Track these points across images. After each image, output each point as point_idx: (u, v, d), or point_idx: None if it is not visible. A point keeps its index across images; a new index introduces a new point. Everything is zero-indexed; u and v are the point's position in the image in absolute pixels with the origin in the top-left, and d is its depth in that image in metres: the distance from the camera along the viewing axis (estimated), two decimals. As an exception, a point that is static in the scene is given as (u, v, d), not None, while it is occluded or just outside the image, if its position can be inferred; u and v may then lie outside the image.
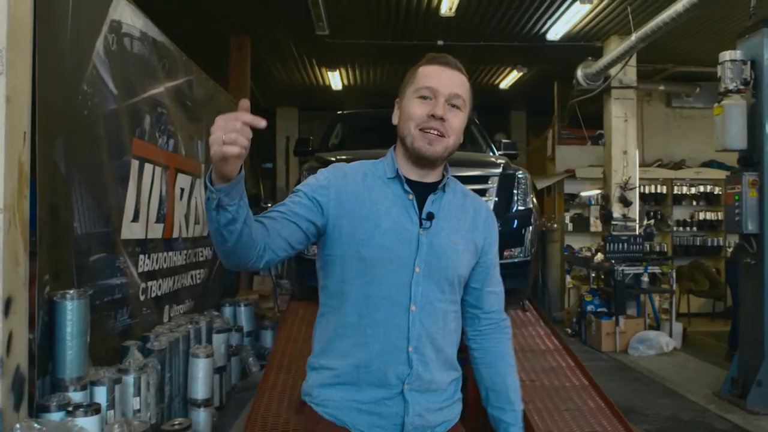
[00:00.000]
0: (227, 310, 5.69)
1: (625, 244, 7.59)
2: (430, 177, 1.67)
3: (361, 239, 1.58)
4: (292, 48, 8.71)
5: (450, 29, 7.63)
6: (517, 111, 14.26)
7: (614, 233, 7.87)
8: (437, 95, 1.60)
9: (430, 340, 1.60)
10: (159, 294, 4.28)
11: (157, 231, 4.24)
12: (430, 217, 1.62)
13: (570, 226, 9.99)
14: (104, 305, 3.37)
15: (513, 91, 11.32)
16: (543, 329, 4.92)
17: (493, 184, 4.72)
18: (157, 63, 4.22)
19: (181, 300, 4.81)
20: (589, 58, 7.87)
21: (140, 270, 3.91)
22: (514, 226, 4.77)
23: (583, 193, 9.64)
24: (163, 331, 3.91)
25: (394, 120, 1.68)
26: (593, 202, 9.73)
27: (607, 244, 7.65)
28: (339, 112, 7.04)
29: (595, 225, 9.66)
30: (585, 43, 8.00)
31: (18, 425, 2.25)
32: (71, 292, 2.74)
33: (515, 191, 4.82)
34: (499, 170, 4.78)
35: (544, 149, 11.47)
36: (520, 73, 9.87)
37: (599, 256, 7.95)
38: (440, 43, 8.07)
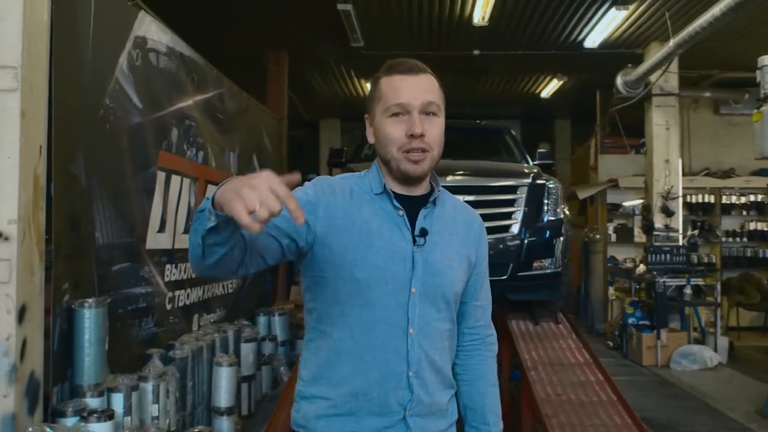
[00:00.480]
0: (261, 320, 5.77)
1: (668, 255, 7.36)
2: (418, 190, 1.59)
3: (353, 259, 1.49)
4: (329, 60, 8.81)
5: (485, 38, 7.59)
6: (562, 120, 14.07)
7: (656, 244, 7.65)
8: (410, 110, 1.50)
9: (429, 362, 1.54)
10: (187, 303, 4.37)
11: (185, 241, 4.33)
12: (424, 233, 1.55)
13: (613, 237, 9.76)
14: (128, 313, 3.45)
15: (555, 100, 11.18)
16: (575, 342, 4.81)
17: (522, 195, 4.67)
18: (185, 77, 4.32)
19: (211, 309, 4.89)
20: (629, 65, 7.71)
21: (167, 279, 4.00)
22: (544, 236, 4.69)
23: (625, 203, 9.42)
24: (189, 340, 3.99)
25: (369, 138, 1.60)
26: (636, 212, 9.49)
27: (649, 255, 7.44)
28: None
29: (639, 235, 9.40)
30: (625, 50, 7.84)
31: (30, 429, 2.32)
32: (90, 300, 2.82)
33: (546, 201, 4.75)
34: (529, 180, 4.72)
35: (587, 158, 11.28)
36: (560, 82, 9.74)
37: (641, 268, 7.75)
38: (476, 52, 8.05)
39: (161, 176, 3.90)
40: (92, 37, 2.99)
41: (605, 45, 7.60)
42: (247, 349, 4.73)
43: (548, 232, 4.71)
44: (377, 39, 7.57)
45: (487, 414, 1.70)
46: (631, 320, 7.48)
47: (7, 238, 2.32)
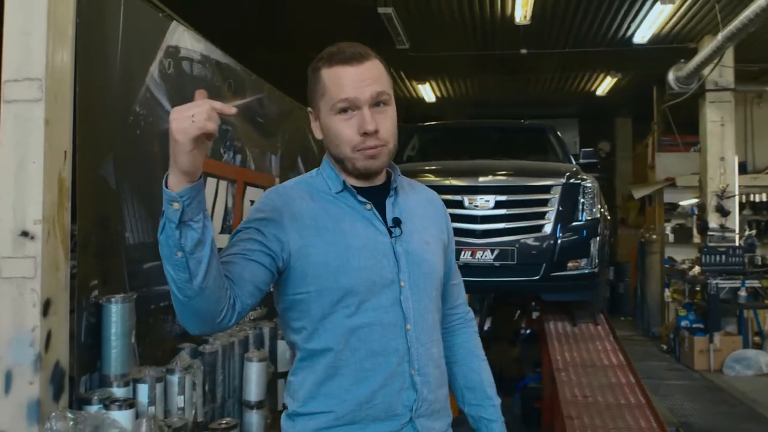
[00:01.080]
0: None
1: (723, 256, 7.11)
2: (377, 181, 1.52)
3: (336, 266, 1.39)
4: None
5: (530, 37, 7.53)
6: (622, 118, 13.75)
7: (711, 244, 7.40)
8: (359, 104, 1.40)
9: (429, 356, 1.47)
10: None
11: (221, 241, 4.49)
12: (397, 222, 1.48)
13: (671, 237, 9.48)
14: (160, 310, 3.63)
15: (613, 98, 10.96)
16: (611, 344, 4.75)
17: (555, 194, 4.64)
18: (221, 83, 4.49)
19: (250, 307, 5.05)
20: (682, 60, 7.49)
21: (202, 277, 4.17)
22: (579, 236, 4.65)
23: (682, 203, 9.13)
24: (223, 336, 4.14)
25: (316, 134, 1.51)
26: (695, 212, 9.19)
27: (703, 256, 7.21)
28: (418, 125, 7.14)
29: (698, 236, 9.12)
30: (677, 45, 7.62)
31: (54, 414, 2.49)
32: (116, 296, 2.99)
33: (581, 201, 4.70)
34: (562, 180, 4.68)
35: (646, 157, 10.99)
36: (614, 79, 9.54)
37: (696, 269, 7.51)
38: (523, 51, 7.98)
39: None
40: (121, 48, 3.17)
41: (656, 40, 7.41)
42: (284, 346, 4.86)
43: (583, 232, 4.65)
44: (423, 41, 7.63)
45: (486, 388, 1.68)
46: (684, 323, 7.27)
47: (32, 237, 2.51)
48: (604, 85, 10.11)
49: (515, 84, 10.04)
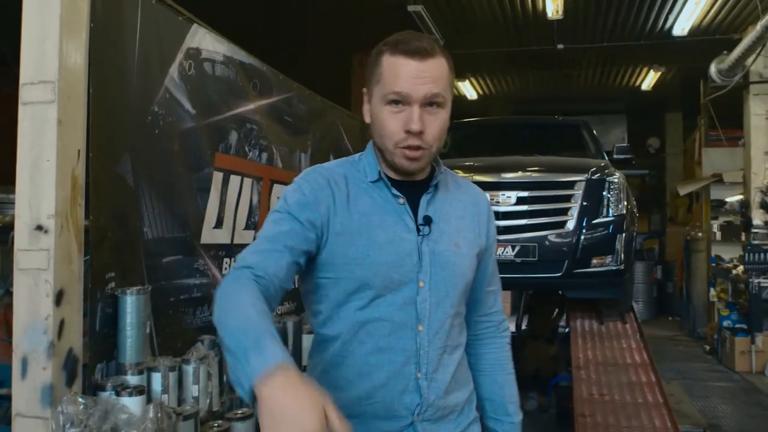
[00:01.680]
0: None
1: (767, 255, 6.87)
2: (418, 176, 1.49)
3: (354, 258, 1.41)
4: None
5: (566, 32, 7.45)
6: (673, 113, 13.43)
7: (755, 242, 7.16)
8: (410, 101, 1.37)
9: (441, 361, 1.44)
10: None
11: (246, 237, 4.62)
12: (428, 221, 1.46)
13: (718, 235, 9.20)
14: (180, 302, 3.77)
15: (660, 92, 10.72)
16: (637, 343, 4.70)
17: (578, 190, 4.61)
18: (245, 83, 4.62)
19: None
20: (724, 52, 7.27)
21: (225, 272, 4.30)
22: (603, 233, 4.60)
23: (728, 199, 8.85)
24: (245, 329, 4.27)
25: (366, 117, 1.49)
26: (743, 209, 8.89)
27: (746, 255, 6.98)
28: (451, 122, 7.14)
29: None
30: (720, 36, 7.40)
31: (65, 398, 2.63)
32: (132, 288, 3.13)
33: (606, 196, 4.65)
34: (586, 175, 4.64)
35: (694, 153, 10.70)
36: (658, 73, 9.32)
37: (740, 268, 7.27)
38: (560, 46, 7.89)
39: (218, 176, 4.20)
40: (138, 51, 3.31)
41: (696, 32, 7.22)
42: (308, 341, 4.96)
43: (608, 229, 4.60)
44: (456, 38, 7.63)
45: (507, 404, 1.63)
46: (726, 323, 7.06)
47: (46, 231, 2.66)
48: (649, 80, 9.89)
49: (557, 80, 9.92)
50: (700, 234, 9.27)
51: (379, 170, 1.46)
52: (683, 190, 9.60)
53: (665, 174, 13.22)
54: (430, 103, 1.39)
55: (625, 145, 5.92)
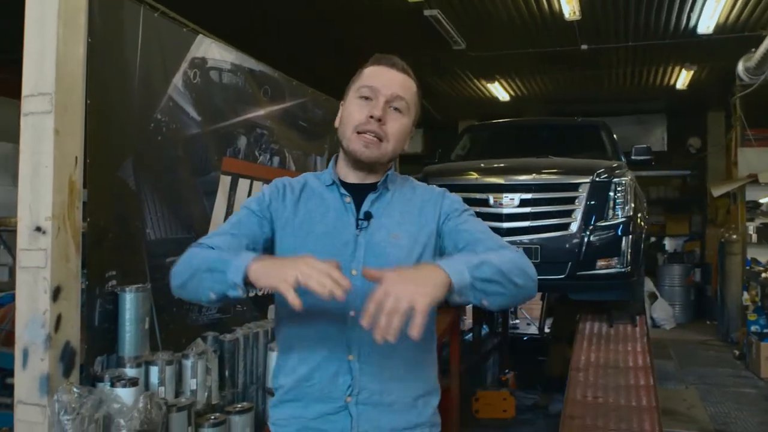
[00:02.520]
0: None
1: (797, 258, 6.69)
2: (371, 178, 1.63)
3: (293, 247, 1.56)
4: (441, 65, 9.01)
5: (588, 32, 7.42)
6: (714, 111, 13.10)
7: (785, 245, 6.98)
8: (378, 95, 1.56)
9: (376, 347, 1.41)
10: (258, 294, 4.83)
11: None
12: (368, 216, 1.58)
13: (754, 237, 8.97)
14: (185, 301, 3.95)
15: (698, 91, 10.50)
16: (642, 346, 4.67)
17: (583, 192, 4.62)
18: (255, 90, 4.79)
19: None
20: (752, 49, 7.11)
21: (233, 272, 4.48)
22: (609, 235, 4.60)
23: (762, 200, 8.62)
24: (251, 326, 4.43)
25: (336, 122, 1.66)
26: (780, 211, 8.66)
27: (776, 258, 6.81)
28: (470, 125, 7.21)
29: (783, 236, 8.59)
30: (748, 33, 7.23)
31: (61, 387, 2.84)
32: (130, 286, 3.32)
33: (613, 198, 4.65)
34: (590, 177, 4.65)
35: (731, 152, 10.44)
36: (690, 72, 9.13)
37: (770, 271, 7.11)
38: (584, 47, 7.84)
39: (225, 180, 4.38)
40: (140, 63, 3.51)
41: (723, 30, 7.07)
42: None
43: (613, 231, 4.60)
44: (479, 40, 7.68)
45: (477, 247, 1.55)
46: (753, 328, 6.89)
47: (44, 232, 2.86)
48: (683, 78, 9.69)
49: (588, 80, 9.83)
50: (735, 236, 9.04)
51: (334, 175, 1.63)
52: (717, 191, 9.37)
53: (706, 174, 12.90)
54: (394, 107, 1.57)
55: (644, 146, 5.85)
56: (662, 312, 10.17)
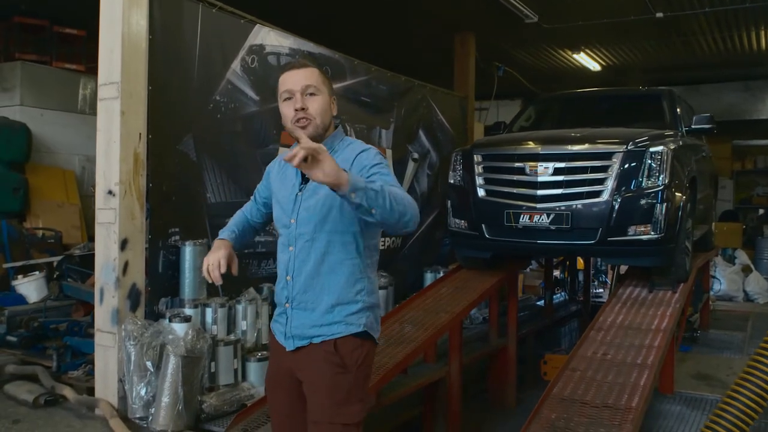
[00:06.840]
0: (428, 276, 6.45)
1: None
2: None
3: (272, 206, 2.29)
4: (521, 38, 9.12)
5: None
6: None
7: None
8: (294, 93, 2.07)
9: (303, 270, 2.11)
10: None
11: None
12: (306, 180, 2.10)
13: None
14: (244, 255, 4.60)
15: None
16: (673, 311, 4.77)
17: (616, 161, 4.78)
18: (314, 71, 5.32)
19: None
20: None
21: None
22: (642, 202, 4.74)
23: None
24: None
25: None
26: None
27: None
28: (535, 97, 7.39)
29: None
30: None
31: (128, 319, 3.55)
32: (189, 241, 3.98)
33: (647, 166, 4.75)
34: (624, 147, 4.80)
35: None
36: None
37: None
38: (659, 15, 7.72)
39: (284, 151, 4.96)
40: (199, 52, 4.13)
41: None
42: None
43: (646, 198, 4.73)
44: (552, 12, 7.77)
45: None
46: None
47: (114, 194, 3.56)
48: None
49: (677, 47, 9.57)
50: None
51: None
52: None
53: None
54: (309, 93, 2.08)
55: (706, 115, 5.82)
56: (756, 285, 9.84)
